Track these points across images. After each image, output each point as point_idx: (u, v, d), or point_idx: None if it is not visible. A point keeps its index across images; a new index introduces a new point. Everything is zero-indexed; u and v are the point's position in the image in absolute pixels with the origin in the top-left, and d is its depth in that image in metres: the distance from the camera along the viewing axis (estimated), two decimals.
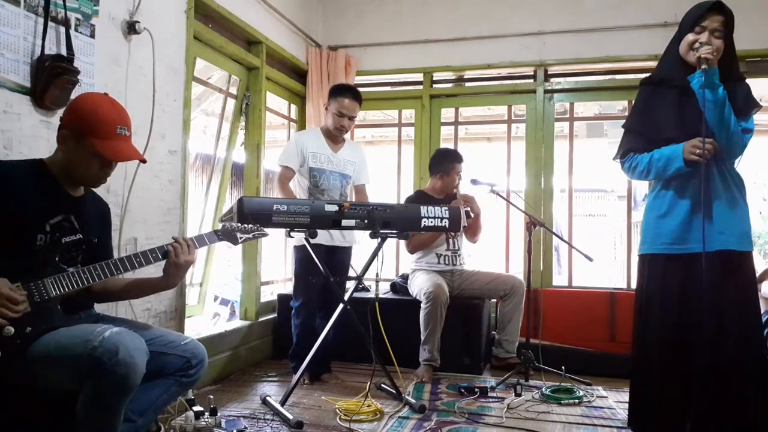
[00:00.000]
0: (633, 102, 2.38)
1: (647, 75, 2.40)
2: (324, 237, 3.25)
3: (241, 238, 2.08)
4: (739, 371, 2.08)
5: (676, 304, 2.15)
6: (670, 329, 2.17)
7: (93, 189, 1.99)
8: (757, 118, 2.31)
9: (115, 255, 2.11)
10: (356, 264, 3.59)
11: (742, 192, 2.21)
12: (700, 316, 2.07)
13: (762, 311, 3.91)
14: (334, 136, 3.41)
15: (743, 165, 2.35)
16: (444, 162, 3.84)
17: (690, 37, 2.16)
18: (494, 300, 3.94)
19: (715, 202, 2.14)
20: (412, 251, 3.84)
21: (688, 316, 2.12)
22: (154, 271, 2.16)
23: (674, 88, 2.19)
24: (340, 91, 3.39)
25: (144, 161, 1.99)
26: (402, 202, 4.64)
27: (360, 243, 3.52)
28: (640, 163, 2.26)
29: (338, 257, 3.38)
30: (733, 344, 2.08)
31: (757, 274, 3.97)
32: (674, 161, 2.15)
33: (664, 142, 2.20)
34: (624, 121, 2.44)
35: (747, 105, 2.16)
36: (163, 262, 1.92)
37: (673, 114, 2.15)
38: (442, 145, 4.60)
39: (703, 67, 2.05)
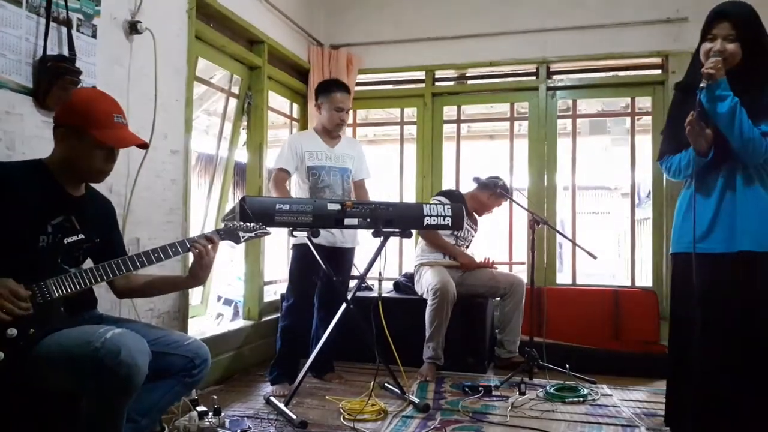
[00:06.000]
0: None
1: (680, 79, 2.41)
2: (325, 238, 3.23)
3: (243, 237, 2.07)
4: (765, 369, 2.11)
5: (701, 303, 2.16)
6: (697, 327, 2.17)
7: (94, 187, 1.99)
8: None
9: None
10: (359, 263, 3.58)
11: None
12: (724, 315, 2.10)
13: None
14: (330, 132, 3.38)
15: None
16: (500, 189, 3.80)
17: (705, 46, 2.17)
18: (497, 299, 3.94)
19: (739, 202, 2.14)
20: (427, 244, 3.82)
21: (714, 315, 2.14)
22: (157, 270, 2.17)
23: (695, 94, 2.19)
24: (330, 86, 3.36)
25: (147, 146, 1.98)
26: (406, 200, 4.65)
27: (360, 243, 3.50)
28: (673, 164, 2.32)
29: (339, 258, 3.35)
30: (763, 343, 2.10)
31: None
32: (690, 153, 2.18)
33: (687, 148, 2.23)
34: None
35: None
36: (165, 262, 1.93)
37: None
38: (444, 143, 4.62)
39: (701, 85, 2.06)
